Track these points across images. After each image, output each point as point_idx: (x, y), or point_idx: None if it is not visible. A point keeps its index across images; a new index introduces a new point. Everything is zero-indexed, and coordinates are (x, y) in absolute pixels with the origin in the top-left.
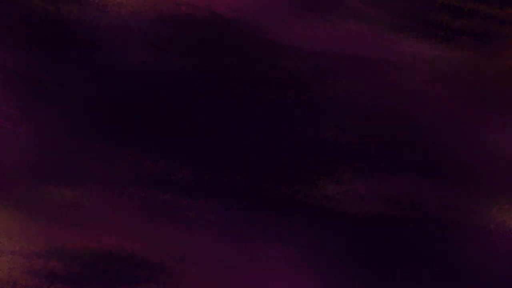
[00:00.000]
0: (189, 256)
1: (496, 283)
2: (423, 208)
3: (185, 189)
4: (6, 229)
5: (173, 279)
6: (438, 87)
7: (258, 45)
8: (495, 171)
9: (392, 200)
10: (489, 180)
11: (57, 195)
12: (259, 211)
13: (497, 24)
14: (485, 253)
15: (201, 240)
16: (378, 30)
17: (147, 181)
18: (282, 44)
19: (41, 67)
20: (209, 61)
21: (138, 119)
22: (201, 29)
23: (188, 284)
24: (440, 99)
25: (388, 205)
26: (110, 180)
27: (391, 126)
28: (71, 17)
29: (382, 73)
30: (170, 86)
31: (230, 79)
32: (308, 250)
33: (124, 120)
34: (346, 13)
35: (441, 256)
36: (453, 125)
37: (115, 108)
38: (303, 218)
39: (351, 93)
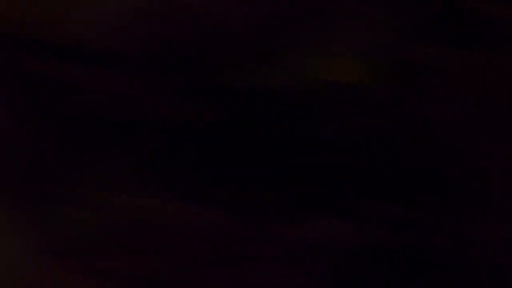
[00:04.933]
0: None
1: None
2: (428, 217)
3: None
4: None
5: None
6: (439, 88)
7: (258, 46)
8: (502, 177)
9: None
10: (495, 188)
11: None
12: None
13: (497, 24)
14: (492, 265)
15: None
16: (378, 30)
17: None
18: (281, 44)
19: (39, 66)
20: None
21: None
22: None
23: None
24: (442, 100)
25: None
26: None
27: (392, 130)
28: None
29: (383, 74)
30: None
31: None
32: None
33: (127, 123)
34: (347, 13)
35: (449, 268)
36: (454, 126)
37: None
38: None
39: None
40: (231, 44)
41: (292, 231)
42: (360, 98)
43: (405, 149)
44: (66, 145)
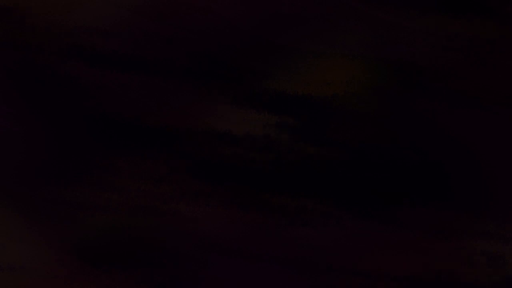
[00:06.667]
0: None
1: None
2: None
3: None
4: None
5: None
6: (439, 87)
7: (259, 46)
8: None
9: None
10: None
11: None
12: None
13: (497, 24)
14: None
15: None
16: (377, 30)
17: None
18: (282, 44)
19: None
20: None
21: (138, 121)
22: (201, 29)
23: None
24: (442, 100)
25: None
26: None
27: (392, 130)
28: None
29: (382, 74)
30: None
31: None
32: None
33: (125, 123)
34: (347, 14)
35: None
36: (454, 126)
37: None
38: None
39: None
40: (232, 44)
41: (303, 231)
42: (360, 98)
43: (405, 149)
44: (68, 146)
